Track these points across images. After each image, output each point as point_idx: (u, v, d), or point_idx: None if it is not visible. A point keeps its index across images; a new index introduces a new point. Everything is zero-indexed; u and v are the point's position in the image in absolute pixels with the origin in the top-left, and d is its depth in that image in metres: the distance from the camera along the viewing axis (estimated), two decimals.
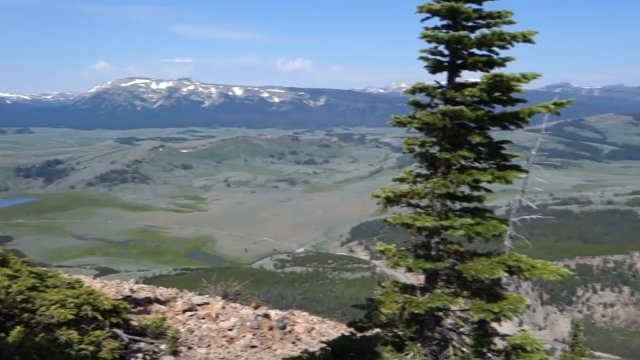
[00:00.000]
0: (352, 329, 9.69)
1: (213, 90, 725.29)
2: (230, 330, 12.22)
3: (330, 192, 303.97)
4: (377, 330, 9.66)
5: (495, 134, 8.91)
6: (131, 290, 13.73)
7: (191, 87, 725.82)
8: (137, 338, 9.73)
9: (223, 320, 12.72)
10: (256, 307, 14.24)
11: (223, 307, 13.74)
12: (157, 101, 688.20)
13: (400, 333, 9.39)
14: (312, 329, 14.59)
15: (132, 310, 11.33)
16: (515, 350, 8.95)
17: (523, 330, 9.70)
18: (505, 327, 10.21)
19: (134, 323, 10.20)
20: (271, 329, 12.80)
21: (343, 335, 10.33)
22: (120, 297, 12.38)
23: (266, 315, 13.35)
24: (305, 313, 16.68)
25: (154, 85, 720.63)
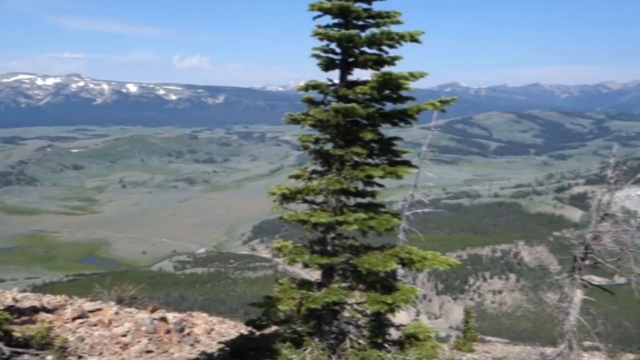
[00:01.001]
0: (250, 328, 9.63)
1: (105, 86, 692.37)
2: (124, 336, 11.73)
3: (231, 191, 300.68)
4: (276, 327, 9.67)
5: (393, 131, 9.19)
6: (14, 299, 12.83)
7: (81, 84, 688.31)
8: (20, 350, 9.10)
9: (117, 326, 12.19)
10: (153, 311, 13.79)
11: (117, 313, 13.18)
12: (43, 98, 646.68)
13: (298, 329, 9.46)
14: (212, 329, 14.36)
15: (15, 320, 10.60)
16: (409, 339, 9.29)
17: (416, 319, 10.09)
18: (404, 317, 10.58)
19: (17, 334, 9.53)
20: (168, 332, 12.43)
21: (241, 335, 10.25)
22: (1, 307, 11.51)
23: (163, 319, 12.94)
24: (204, 314, 16.38)
25: (39, 81, 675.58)
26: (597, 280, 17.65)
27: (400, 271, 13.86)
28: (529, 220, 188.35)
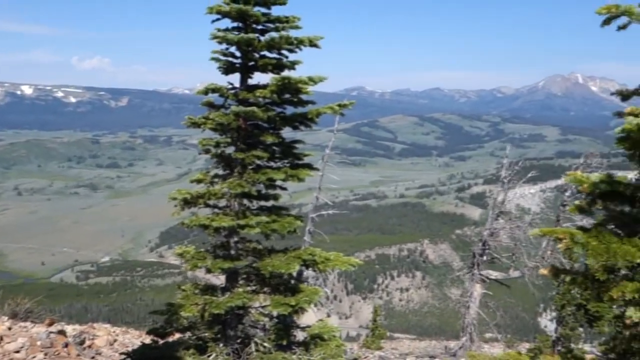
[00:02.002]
0: (153, 337, 9.38)
1: None
2: (17, 352, 11.03)
3: (136, 197, 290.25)
4: (180, 335, 9.49)
5: (300, 134, 9.29)
6: None
7: None
8: None
9: (9, 342, 11.43)
10: (50, 324, 13.06)
11: (10, 328, 12.37)
12: None
13: (203, 335, 9.32)
14: (115, 340, 13.86)
15: None
16: (314, 340, 9.42)
17: (321, 320, 10.24)
18: (314, 318, 10.67)
19: None
20: (66, 345, 11.82)
21: (144, 344, 9.96)
22: None
23: (61, 332, 12.29)
24: (107, 325, 15.80)
25: None
26: (494, 274, 18.69)
27: (311, 273, 14.01)
28: (433, 219, 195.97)
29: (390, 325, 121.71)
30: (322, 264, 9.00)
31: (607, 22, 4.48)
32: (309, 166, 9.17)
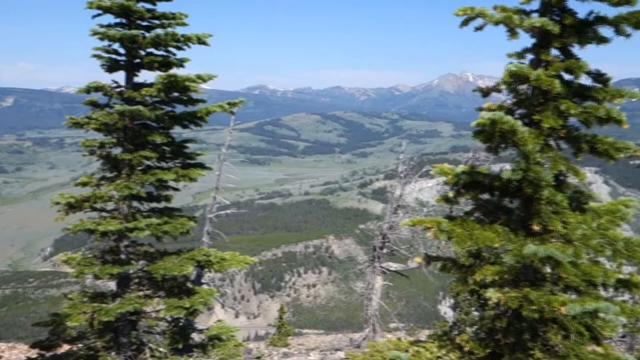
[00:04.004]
0: (38, 350, 8.87)
1: None
2: None
3: (26, 203, 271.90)
4: (68, 346, 9.04)
5: (203, 133, 9.12)
6: None
7: None
8: None
9: None
10: None
11: None
12: None
13: (94, 344, 8.93)
14: (0, 357, 13.01)
15: None
16: (212, 341, 9.32)
17: (219, 321, 10.14)
18: (223, 320, 10.51)
19: None
20: None
21: (29, 359, 9.38)
22: None
23: None
24: None
25: None
26: (394, 266, 19.30)
27: (217, 275, 13.79)
28: (337, 215, 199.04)
29: (298, 321, 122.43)
30: (217, 264, 8.92)
31: (465, 23, 4.76)
32: (202, 166, 9.04)
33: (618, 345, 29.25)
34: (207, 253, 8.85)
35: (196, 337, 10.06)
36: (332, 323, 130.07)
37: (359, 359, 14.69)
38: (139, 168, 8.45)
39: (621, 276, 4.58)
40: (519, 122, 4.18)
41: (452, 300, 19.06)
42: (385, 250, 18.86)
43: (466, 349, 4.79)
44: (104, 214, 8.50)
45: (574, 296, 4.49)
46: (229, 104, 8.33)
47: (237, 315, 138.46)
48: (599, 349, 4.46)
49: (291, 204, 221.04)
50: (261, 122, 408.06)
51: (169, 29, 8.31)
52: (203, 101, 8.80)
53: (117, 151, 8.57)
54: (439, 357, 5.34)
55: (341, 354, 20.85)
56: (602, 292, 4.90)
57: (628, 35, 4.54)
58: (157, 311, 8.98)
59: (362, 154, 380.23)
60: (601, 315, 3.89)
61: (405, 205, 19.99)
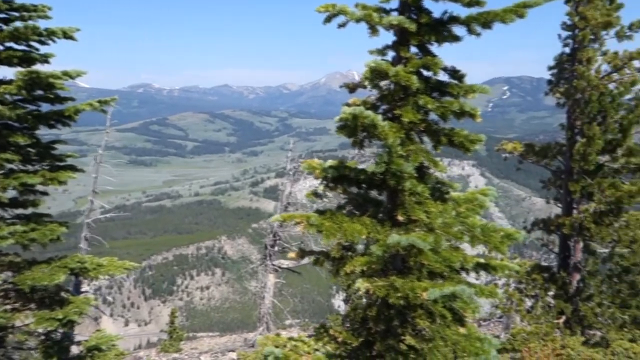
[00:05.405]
0: None
1: None
2: None
3: None
4: None
5: (84, 134, 8.54)
6: None
7: None
8: None
9: None
10: None
11: None
12: None
13: None
14: None
15: None
16: (91, 352, 8.84)
17: (98, 330, 9.66)
18: (114, 329, 9.97)
19: None
20: None
21: None
22: None
23: None
24: None
25: None
26: (286, 263, 19.40)
27: (104, 282, 13.07)
28: (229, 215, 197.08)
29: (192, 325, 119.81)
30: (93, 270, 8.49)
31: (328, 20, 4.87)
32: (73, 168, 8.54)
33: (496, 325, 31.44)
34: (82, 260, 8.39)
35: (76, 349, 9.52)
36: (227, 324, 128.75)
37: (250, 358, 14.64)
38: (0, 172, 7.83)
39: (481, 260, 4.92)
40: (379, 117, 4.35)
41: (344, 294, 19.51)
42: (276, 248, 18.95)
43: (340, 339, 4.93)
44: None
45: (441, 282, 4.74)
46: (99, 102, 7.93)
47: (127, 324, 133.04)
48: (463, 330, 4.76)
49: (181, 206, 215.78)
50: (146, 122, 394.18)
51: (30, 22, 7.76)
52: (72, 99, 8.32)
53: None
54: (316, 349, 5.43)
55: (233, 355, 20.67)
56: (474, 278, 5.26)
57: (478, 34, 4.89)
58: (27, 325, 8.39)
59: (253, 153, 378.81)
60: (464, 297, 4.14)
61: (295, 202, 20.20)
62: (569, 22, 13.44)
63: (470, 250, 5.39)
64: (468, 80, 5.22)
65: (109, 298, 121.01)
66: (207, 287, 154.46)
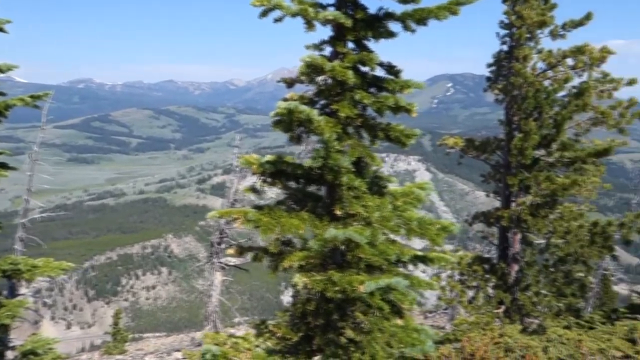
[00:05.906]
0: None
1: None
2: None
3: None
4: None
5: (21, 131, 8.17)
6: None
7: None
8: None
9: None
10: None
11: None
12: None
13: None
14: None
15: None
16: (26, 357, 8.57)
17: (34, 334, 9.36)
18: (53, 332, 9.62)
19: None
20: None
21: None
22: None
23: None
24: None
25: None
26: (233, 261, 19.26)
27: (45, 284, 12.61)
28: (175, 213, 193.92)
29: (138, 326, 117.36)
30: (28, 272, 8.20)
31: (264, 14, 4.86)
32: (4, 166, 8.20)
33: (442, 316, 32.17)
34: (15, 261, 8.08)
35: (11, 354, 9.18)
36: (174, 324, 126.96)
37: (196, 357, 14.47)
38: None
39: (419, 253, 5.04)
40: (315, 112, 4.39)
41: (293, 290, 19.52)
42: (223, 246, 18.79)
43: (279, 334, 4.94)
44: None
45: (378, 275, 4.81)
46: (32, 96, 7.63)
47: (69, 326, 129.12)
48: (400, 322, 4.86)
49: (125, 204, 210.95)
50: (88, 118, 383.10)
51: None
52: (2, 94, 7.98)
53: None
54: (257, 345, 5.43)
55: (179, 355, 20.42)
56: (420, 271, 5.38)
57: (413, 31, 4.99)
58: None
59: (199, 150, 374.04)
60: (400, 289, 4.22)
61: (242, 199, 20.08)
62: (506, 21, 13.89)
63: (418, 244, 5.51)
64: (414, 77, 5.32)
65: (49, 301, 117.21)
66: (154, 287, 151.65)
